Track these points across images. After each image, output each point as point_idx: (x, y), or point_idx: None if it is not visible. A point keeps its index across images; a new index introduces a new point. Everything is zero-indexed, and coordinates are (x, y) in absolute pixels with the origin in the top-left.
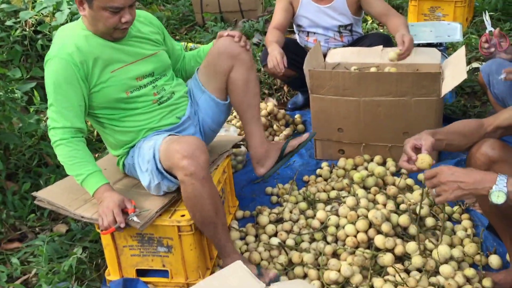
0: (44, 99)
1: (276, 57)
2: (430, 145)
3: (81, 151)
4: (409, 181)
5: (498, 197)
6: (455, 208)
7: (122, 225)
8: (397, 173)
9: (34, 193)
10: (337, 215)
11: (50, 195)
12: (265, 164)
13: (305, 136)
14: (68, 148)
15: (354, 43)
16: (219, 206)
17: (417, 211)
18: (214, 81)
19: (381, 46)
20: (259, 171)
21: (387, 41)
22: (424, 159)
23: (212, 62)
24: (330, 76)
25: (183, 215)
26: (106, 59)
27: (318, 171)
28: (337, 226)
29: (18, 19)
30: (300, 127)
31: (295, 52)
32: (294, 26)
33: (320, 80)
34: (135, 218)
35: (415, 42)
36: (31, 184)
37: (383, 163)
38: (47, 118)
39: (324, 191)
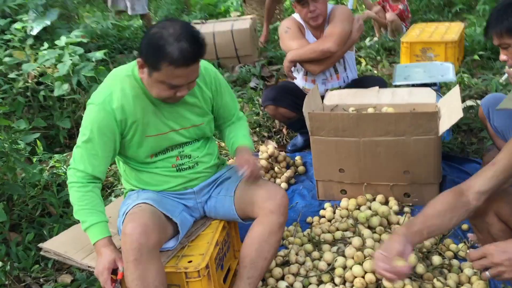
0: (46, 149)
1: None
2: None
3: (92, 198)
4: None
5: None
6: (461, 245)
7: None
8: (400, 212)
9: (40, 245)
10: (344, 256)
11: (55, 245)
12: None
13: None
14: (80, 193)
15: (350, 85)
16: None
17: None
18: (244, 206)
19: (377, 87)
20: None
21: (382, 83)
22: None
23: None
24: (329, 118)
25: (190, 261)
26: (145, 123)
27: (321, 212)
28: (345, 267)
29: (21, 71)
30: (301, 168)
31: (294, 95)
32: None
33: (320, 122)
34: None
35: (410, 82)
36: (34, 234)
37: (386, 202)
38: (50, 167)
39: (329, 232)
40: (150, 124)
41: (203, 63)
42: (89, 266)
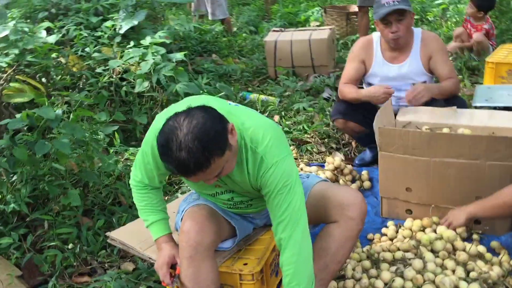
0: (123, 142)
1: (380, 89)
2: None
3: (150, 198)
4: (481, 248)
5: None
6: None
7: (170, 286)
8: (468, 239)
9: (108, 233)
10: (402, 277)
11: (121, 235)
12: None
13: None
14: (139, 194)
15: (427, 104)
16: None
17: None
18: (317, 210)
19: (455, 107)
20: None
21: (462, 104)
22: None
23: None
24: (400, 135)
25: (245, 264)
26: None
27: (383, 230)
28: None
29: (107, 67)
30: (367, 184)
31: (365, 109)
32: (364, 84)
33: (390, 138)
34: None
35: (492, 104)
36: (104, 221)
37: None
38: (125, 159)
39: (390, 251)
40: (196, 184)
41: (267, 151)
42: (150, 258)
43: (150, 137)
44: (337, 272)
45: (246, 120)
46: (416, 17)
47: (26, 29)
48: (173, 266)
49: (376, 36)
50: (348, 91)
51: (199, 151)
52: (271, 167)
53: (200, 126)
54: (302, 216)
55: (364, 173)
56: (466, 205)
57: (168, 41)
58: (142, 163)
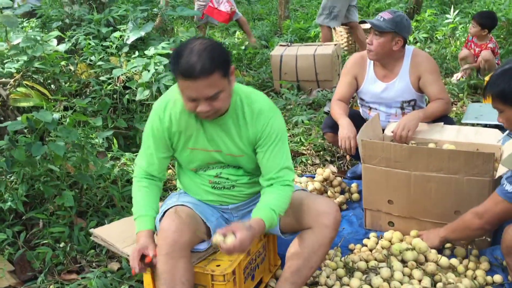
0: (124, 148)
1: (349, 140)
2: None
3: (146, 193)
4: (454, 261)
5: None
6: None
7: (136, 270)
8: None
9: (91, 230)
10: (370, 285)
11: (105, 232)
12: None
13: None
14: (137, 187)
15: None
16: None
17: None
18: (293, 216)
19: (441, 123)
20: None
21: (450, 121)
22: None
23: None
24: (382, 148)
25: (218, 265)
26: (187, 136)
27: (364, 240)
28: None
29: (111, 76)
30: (355, 196)
31: (358, 125)
32: (358, 99)
33: (372, 150)
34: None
35: (481, 122)
36: (97, 222)
37: None
38: (121, 164)
39: (366, 260)
40: (192, 137)
41: (263, 105)
42: (128, 255)
43: (150, 118)
44: (309, 277)
45: (244, 87)
46: (424, 35)
47: (38, 38)
48: (144, 257)
49: None
50: (334, 110)
51: (207, 58)
52: (272, 117)
53: (211, 44)
54: (292, 168)
55: (354, 185)
56: (440, 226)
57: None
58: (143, 148)
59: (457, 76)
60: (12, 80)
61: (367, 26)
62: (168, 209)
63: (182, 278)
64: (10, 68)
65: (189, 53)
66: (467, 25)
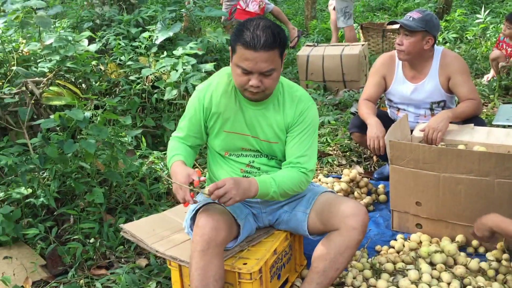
0: (152, 146)
1: (378, 139)
2: None
3: (183, 150)
4: (484, 264)
5: None
6: None
7: (190, 201)
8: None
9: (121, 225)
10: (398, 286)
11: (134, 228)
12: None
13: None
14: (175, 143)
15: None
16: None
17: None
18: (322, 217)
19: (472, 124)
20: None
21: (480, 122)
22: None
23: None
24: (410, 149)
25: (245, 263)
26: (225, 118)
27: (391, 242)
28: None
29: (141, 75)
30: (382, 197)
31: (385, 126)
32: (386, 100)
33: (401, 151)
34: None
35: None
36: (125, 219)
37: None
38: (150, 162)
39: (393, 262)
40: (229, 120)
41: (304, 94)
42: (156, 251)
43: (190, 101)
44: (335, 278)
45: (285, 78)
46: (454, 35)
47: (70, 38)
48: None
49: None
50: (362, 110)
51: (272, 34)
52: (310, 106)
53: (275, 24)
54: (314, 159)
55: (381, 186)
56: (469, 229)
57: (200, 52)
58: (181, 123)
59: (487, 77)
60: (45, 79)
61: (396, 26)
62: (201, 206)
63: (216, 276)
64: (43, 68)
65: (256, 26)
66: (498, 25)
